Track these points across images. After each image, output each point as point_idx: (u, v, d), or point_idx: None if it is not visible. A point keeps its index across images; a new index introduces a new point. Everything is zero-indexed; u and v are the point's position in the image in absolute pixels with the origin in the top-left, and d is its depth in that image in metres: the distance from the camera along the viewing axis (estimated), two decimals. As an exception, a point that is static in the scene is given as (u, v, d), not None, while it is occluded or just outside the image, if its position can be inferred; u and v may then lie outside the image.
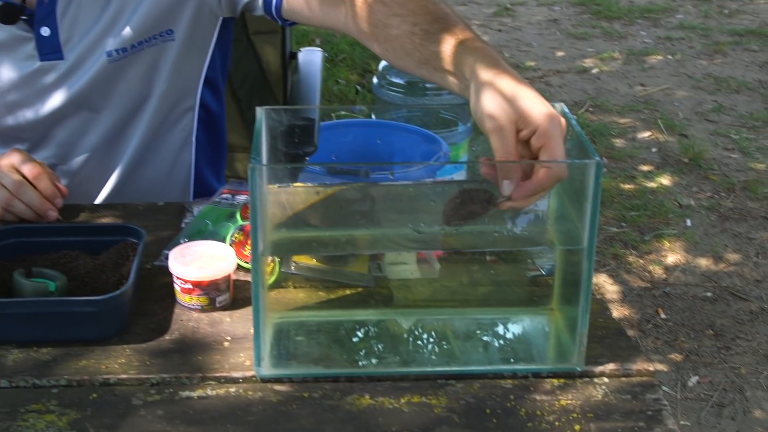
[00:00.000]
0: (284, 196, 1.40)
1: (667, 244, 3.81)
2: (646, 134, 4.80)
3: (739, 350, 3.23)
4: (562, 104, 1.46)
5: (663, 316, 3.40)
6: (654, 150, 4.63)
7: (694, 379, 3.09)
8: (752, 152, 4.62)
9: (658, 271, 3.65)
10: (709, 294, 3.53)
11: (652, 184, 4.28)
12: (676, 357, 3.19)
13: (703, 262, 3.71)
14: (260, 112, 1.42)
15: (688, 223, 3.98)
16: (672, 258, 3.74)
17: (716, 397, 3.01)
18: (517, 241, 1.41)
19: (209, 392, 1.33)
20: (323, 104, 3.52)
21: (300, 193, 1.42)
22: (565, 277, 1.46)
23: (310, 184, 1.53)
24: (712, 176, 4.37)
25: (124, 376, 1.35)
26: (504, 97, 1.30)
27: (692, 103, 5.20)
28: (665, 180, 4.32)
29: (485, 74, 1.34)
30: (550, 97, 5.18)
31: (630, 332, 1.35)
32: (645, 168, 4.44)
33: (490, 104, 1.30)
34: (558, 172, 1.28)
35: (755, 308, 3.45)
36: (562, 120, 1.31)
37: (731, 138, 4.77)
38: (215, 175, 2.08)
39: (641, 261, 3.71)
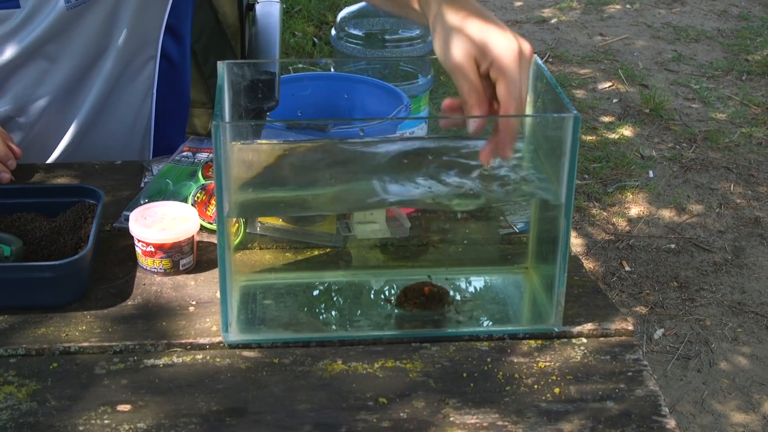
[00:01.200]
0: (249, 154, 1.35)
1: (630, 196, 3.79)
2: (606, 85, 4.77)
3: (703, 302, 3.23)
4: (535, 56, 1.41)
5: (627, 268, 3.39)
6: (615, 101, 4.60)
7: (659, 332, 3.08)
8: (712, 102, 4.61)
9: (621, 224, 3.64)
10: (672, 246, 3.51)
11: (613, 136, 4.26)
12: (641, 310, 3.18)
13: (666, 214, 3.70)
14: (222, 66, 1.36)
15: (651, 174, 3.96)
16: (635, 210, 3.72)
17: (682, 350, 3.01)
18: (491, 198, 1.37)
19: (175, 359, 1.28)
20: (281, 58, 3.46)
21: (266, 151, 1.37)
22: (540, 235, 1.42)
23: (275, 141, 1.48)
24: (674, 127, 4.35)
25: (85, 344, 1.29)
26: (463, 33, 1.24)
27: (652, 53, 5.17)
28: (627, 131, 4.30)
29: (446, 10, 1.28)
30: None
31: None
32: (606, 119, 4.41)
33: (448, 41, 1.25)
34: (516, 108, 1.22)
35: (719, 259, 3.44)
36: (526, 50, 1.24)
37: (691, 88, 4.76)
38: (178, 130, 2.01)
39: (604, 213, 3.69)
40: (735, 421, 2.74)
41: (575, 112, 1.23)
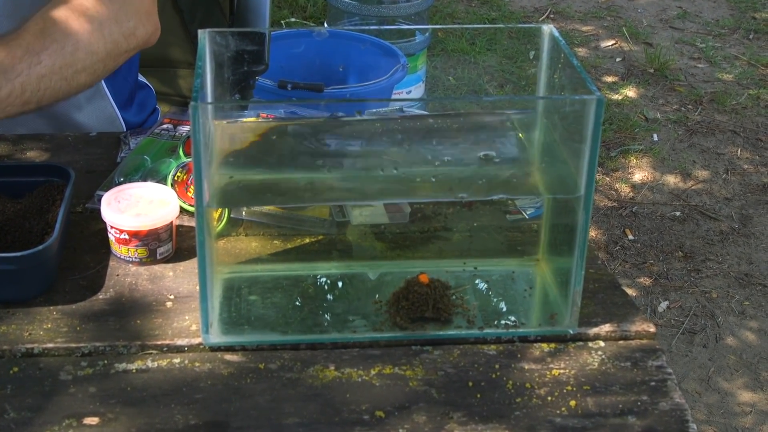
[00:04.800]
0: (233, 136, 1.22)
1: (633, 161, 3.66)
2: (609, 43, 4.62)
3: (709, 273, 3.11)
4: (551, 26, 1.28)
5: (631, 237, 3.26)
6: (618, 60, 4.45)
7: (664, 305, 2.96)
8: (719, 62, 4.46)
9: (625, 190, 3.51)
10: (677, 213, 3.39)
11: (617, 96, 4.11)
12: (645, 281, 3.06)
13: (671, 180, 3.57)
14: (203, 35, 1.22)
15: (655, 137, 3.82)
16: (639, 175, 3.59)
17: (687, 324, 2.89)
18: (499, 188, 1.23)
19: (150, 364, 1.15)
20: (272, 13, 3.31)
21: (253, 131, 1.24)
22: (553, 223, 1.29)
23: (263, 118, 1.35)
24: (679, 87, 4.21)
25: (50, 345, 1.17)
26: None
27: (656, 10, 5.01)
28: (630, 92, 4.15)
29: None
30: (509, 4, 4.98)
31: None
32: (609, 79, 4.27)
33: None
34: None
35: (725, 228, 3.32)
36: None
37: (697, 47, 4.61)
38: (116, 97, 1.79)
39: (607, 179, 3.56)
40: (742, 400, 2.63)
41: (598, 93, 1.10)
